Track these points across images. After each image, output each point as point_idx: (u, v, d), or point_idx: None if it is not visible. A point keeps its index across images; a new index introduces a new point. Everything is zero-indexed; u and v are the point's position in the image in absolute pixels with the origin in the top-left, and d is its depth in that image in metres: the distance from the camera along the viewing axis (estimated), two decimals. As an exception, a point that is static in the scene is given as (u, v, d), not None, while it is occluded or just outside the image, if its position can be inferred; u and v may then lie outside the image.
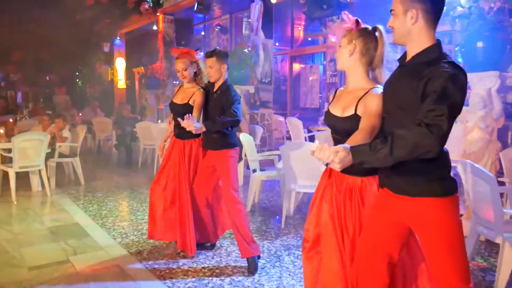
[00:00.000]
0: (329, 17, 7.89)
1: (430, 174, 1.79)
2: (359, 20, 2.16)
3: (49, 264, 3.60)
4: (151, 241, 4.14)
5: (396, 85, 1.88)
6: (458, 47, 5.39)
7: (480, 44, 4.26)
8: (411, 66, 1.82)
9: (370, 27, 2.17)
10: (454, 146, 5.39)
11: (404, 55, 1.90)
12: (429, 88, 1.67)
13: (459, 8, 4.29)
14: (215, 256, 3.78)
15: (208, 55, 3.57)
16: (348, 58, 2.17)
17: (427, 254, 1.89)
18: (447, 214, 1.80)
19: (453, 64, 1.70)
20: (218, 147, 3.63)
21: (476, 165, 3.14)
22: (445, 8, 3.90)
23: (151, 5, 10.12)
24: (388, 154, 1.64)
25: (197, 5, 9.49)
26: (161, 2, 10.20)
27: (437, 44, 1.80)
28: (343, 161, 1.65)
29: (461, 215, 4.40)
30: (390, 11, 1.87)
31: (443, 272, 1.85)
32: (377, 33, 2.15)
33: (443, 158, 1.81)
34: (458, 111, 1.67)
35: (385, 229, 1.95)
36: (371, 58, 2.16)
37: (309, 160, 4.38)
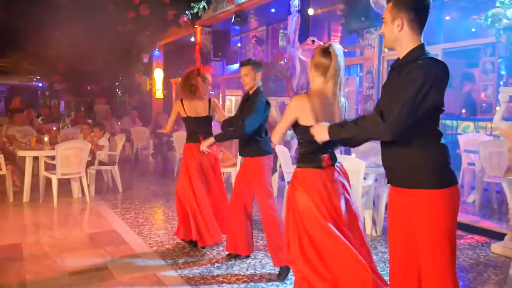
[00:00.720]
0: (366, 29, 7.82)
1: (426, 166, 1.94)
2: None
3: (88, 270, 3.70)
4: (186, 250, 4.19)
5: (388, 86, 2.09)
6: (501, 60, 5.22)
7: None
8: (398, 67, 2.03)
9: None
10: (497, 161, 5.19)
11: (397, 60, 2.09)
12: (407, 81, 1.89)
13: (505, 21, 4.16)
14: (249, 268, 3.77)
15: (244, 63, 3.70)
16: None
17: (421, 248, 1.99)
18: (441, 207, 1.90)
19: (432, 59, 1.90)
20: (250, 154, 3.70)
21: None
22: (489, 20, 3.79)
23: (190, 17, 10.34)
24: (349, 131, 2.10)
25: (235, 17, 9.62)
26: (199, 14, 10.41)
27: (420, 46, 2.00)
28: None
29: (505, 234, 4.23)
30: (381, 19, 2.11)
31: (434, 268, 1.94)
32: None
33: (438, 151, 1.95)
34: (423, 100, 1.83)
35: (407, 238, 2.07)
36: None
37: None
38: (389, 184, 2.13)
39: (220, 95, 13.92)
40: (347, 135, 2.11)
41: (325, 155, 2.55)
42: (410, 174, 1.96)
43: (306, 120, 2.52)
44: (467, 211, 5.56)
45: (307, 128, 2.44)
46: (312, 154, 2.57)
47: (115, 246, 4.32)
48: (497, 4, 4.27)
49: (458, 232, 4.90)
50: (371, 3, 6.32)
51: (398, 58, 2.07)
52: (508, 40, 4.16)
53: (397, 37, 2.03)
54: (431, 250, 1.92)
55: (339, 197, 2.54)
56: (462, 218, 5.14)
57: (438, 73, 1.86)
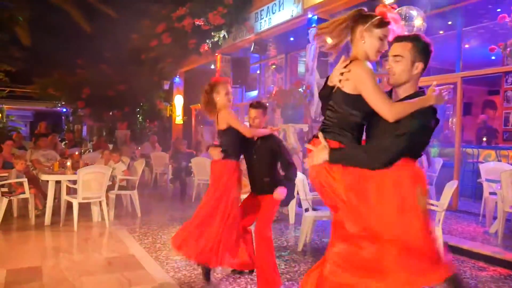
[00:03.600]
0: (384, 58, 7.86)
1: None
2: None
3: (106, 294, 3.73)
4: (202, 277, 4.19)
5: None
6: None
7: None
8: None
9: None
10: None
11: (389, 94, 2.26)
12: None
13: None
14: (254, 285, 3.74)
15: (255, 106, 3.92)
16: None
17: None
18: None
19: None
20: (267, 192, 3.83)
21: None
22: (508, 49, 3.80)
23: (210, 46, 10.59)
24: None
25: (254, 45, 9.81)
26: (219, 43, 10.65)
27: (421, 91, 2.22)
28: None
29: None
30: (394, 56, 2.18)
31: None
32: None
33: None
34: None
35: None
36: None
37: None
38: None
39: (239, 122, 14.04)
40: (343, 160, 2.25)
41: None
42: None
43: None
44: (489, 242, 5.43)
45: None
46: None
47: (133, 271, 4.35)
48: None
49: (480, 263, 4.78)
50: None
51: (390, 94, 2.25)
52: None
53: (409, 79, 2.15)
54: None
55: None
56: (484, 249, 5.02)
57: (429, 122, 2.17)
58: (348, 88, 2.24)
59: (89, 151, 13.49)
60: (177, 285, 3.98)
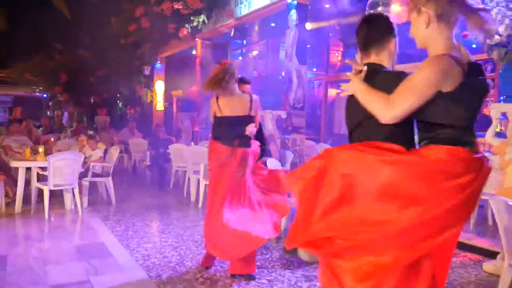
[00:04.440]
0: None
1: None
2: None
3: (70, 283, 3.65)
4: (172, 265, 4.13)
5: None
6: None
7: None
8: None
9: None
10: (493, 178, 5.11)
11: None
12: None
13: (496, 37, 4.12)
14: (233, 284, 3.70)
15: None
16: (425, 30, 1.88)
17: None
18: None
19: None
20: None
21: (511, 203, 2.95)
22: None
23: (190, 31, 10.41)
24: None
25: (234, 30, 9.67)
26: (199, 28, 10.47)
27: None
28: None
29: (498, 253, 4.13)
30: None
31: None
32: None
33: None
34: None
35: None
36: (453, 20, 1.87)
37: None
38: None
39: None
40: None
41: None
42: None
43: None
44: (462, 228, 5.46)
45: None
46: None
47: (101, 259, 4.26)
48: (489, 20, 4.23)
49: (452, 250, 4.81)
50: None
51: None
52: (499, 56, 4.13)
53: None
54: None
55: None
56: (455, 235, 5.05)
57: None
58: None
59: (69, 138, 13.27)
60: (145, 273, 3.91)
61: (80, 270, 3.94)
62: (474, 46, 9.04)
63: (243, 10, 9.38)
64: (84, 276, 3.80)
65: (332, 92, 11.36)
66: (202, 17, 10.14)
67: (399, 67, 2.14)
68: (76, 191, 6.22)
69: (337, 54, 11.77)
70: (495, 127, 4.12)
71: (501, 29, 4.15)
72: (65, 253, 4.48)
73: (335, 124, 10.82)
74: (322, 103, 11.47)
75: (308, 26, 8.01)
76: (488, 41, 4.10)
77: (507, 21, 4.04)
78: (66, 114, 22.78)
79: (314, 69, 11.71)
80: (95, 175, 6.96)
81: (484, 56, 4.26)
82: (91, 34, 14.07)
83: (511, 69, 4.18)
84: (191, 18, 10.16)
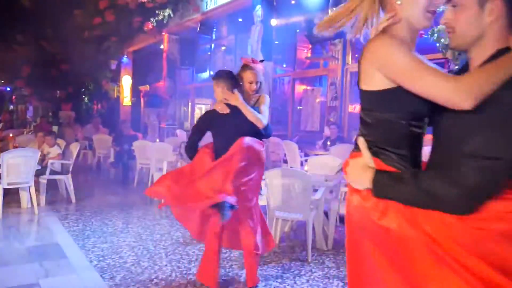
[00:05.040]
0: (328, 41, 7.86)
1: None
2: None
3: (18, 286, 3.51)
4: (127, 265, 4.05)
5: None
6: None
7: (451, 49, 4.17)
8: None
9: None
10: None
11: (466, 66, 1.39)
12: None
13: (450, 36, 4.20)
14: (188, 284, 3.65)
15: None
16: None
17: None
18: None
19: None
20: None
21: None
22: (435, 35, 3.80)
23: (155, 24, 10.23)
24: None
25: (200, 25, 9.57)
26: (164, 22, 10.31)
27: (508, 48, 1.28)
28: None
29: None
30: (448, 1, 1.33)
31: None
32: None
33: None
34: None
35: None
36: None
37: (289, 189, 4.28)
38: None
39: (190, 104, 13.81)
40: (399, 197, 1.31)
41: None
42: None
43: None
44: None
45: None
46: None
47: (53, 260, 4.13)
48: (445, 20, 4.30)
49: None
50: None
51: (466, 65, 1.38)
52: (453, 56, 4.20)
53: (484, 32, 1.28)
54: None
55: None
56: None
57: None
58: (372, 83, 1.44)
59: (31, 133, 12.87)
60: (98, 274, 3.81)
61: (30, 272, 3.80)
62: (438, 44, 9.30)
63: (209, 4, 9.29)
64: (33, 278, 3.67)
65: (299, 88, 11.39)
66: (168, 11, 9.99)
67: None
68: (32, 189, 6.02)
69: (305, 51, 11.80)
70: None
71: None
72: (16, 254, 4.31)
73: (302, 121, 10.86)
74: (289, 99, 11.50)
75: (274, 22, 7.99)
76: (442, 40, 4.17)
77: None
78: (31, 108, 22.11)
79: (284, 65, 11.72)
80: (54, 172, 6.76)
81: (439, 55, 4.33)
82: (53, 26, 13.64)
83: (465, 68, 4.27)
84: (157, 11, 9.98)
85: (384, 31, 1.44)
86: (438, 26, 4.12)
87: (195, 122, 3.67)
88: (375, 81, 1.41)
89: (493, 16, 1.25)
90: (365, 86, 1.46)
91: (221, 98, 3.39)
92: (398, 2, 1.40)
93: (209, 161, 3.34)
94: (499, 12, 1.25)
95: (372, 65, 1.40)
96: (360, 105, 1.53)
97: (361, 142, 1.44)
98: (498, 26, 1.27)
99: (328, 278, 3.87)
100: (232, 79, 3.41)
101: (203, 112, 15.89)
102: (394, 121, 1.40)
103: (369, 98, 1.47)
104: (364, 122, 1.49)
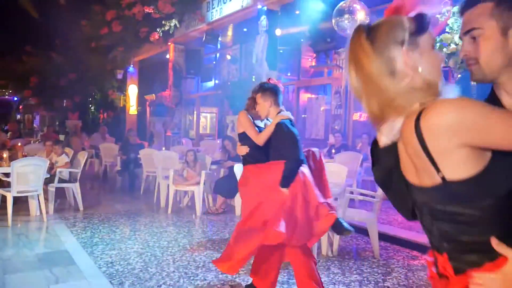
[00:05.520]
0: (332, 50, 7.96)
1: None
2: None
3: (29, 292, 3.59)
4: (135, 272, 4.11)
5: None
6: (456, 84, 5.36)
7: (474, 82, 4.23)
8: None
9: None
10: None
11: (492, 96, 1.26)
12: None
13: (453, 46, 4.27)
14: (196, 290, 3.71)
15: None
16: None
17: None
18: None
19: None
20: None
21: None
22: (438, 45, 3.88)
23: (161, 34, 10.38)
24: None
25: (206, 35, 9.69)
26: (170, 32, 10.46)
27: None
28: None
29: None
30: (467, 32, 1.20)
31: None
32: None
33: None
34: None
35: None
36: None
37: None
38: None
39: (195, 112, 13.94)
40: None
41: None
42: None
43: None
44: (422, 230, 5.60)
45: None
46: None
47: (62, 267, 4.20)
48: (447, 29, 4.40)
49: (414, 253, 4.93)
50: (334, 25, 6.44)
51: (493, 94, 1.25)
52: (455, 65, 4.27)
53: (509, 59, 1.17)
54: None
55: None
56: (419, 238, 5.18)
57: None
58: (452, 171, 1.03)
59: (39, 142, 13.02)
60: (107, 280, 3.88)
61: (40, 279, 3.88)
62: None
63: (215, 15, 9.42)
64: (44, 285, 3.74)
65: (304, 97, 11.49)
66: (174, 22, 10.14)
67: None
68: (41, 197, 6.11)
69: (309, 60, 11.92)
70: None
71: (457, 38, 4.30)
72: (26, 261, 4.39)
73: (307, 129, 10.93)
74: (294, 108, 11.58)
75: (278, 31, 8.10)
76: (444, 49, 4.24)
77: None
78: (38, 118, 22.35)
79: (289, 74, 11.83)
80: (62, 181, 6.86)
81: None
82: (61, 36, 13.87)
83: (468, 77, 4.33)
84: (163, 22, 10.13)
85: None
86: (441, 36, 4.21)
87: (289, 136, 3.32)
88: (455, 167, 1.03)
89: None
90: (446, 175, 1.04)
91: (267, 113, 3.36)
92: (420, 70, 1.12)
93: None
94: None
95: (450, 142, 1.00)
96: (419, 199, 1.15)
97: (501, 248, 1.03)
98: None
99: (334, 283, 3.92)
100: (278, 95, 3.38)
101: (208, 120, 16.05)
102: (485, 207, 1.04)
103: (447, 192, 1.06)
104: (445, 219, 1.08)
